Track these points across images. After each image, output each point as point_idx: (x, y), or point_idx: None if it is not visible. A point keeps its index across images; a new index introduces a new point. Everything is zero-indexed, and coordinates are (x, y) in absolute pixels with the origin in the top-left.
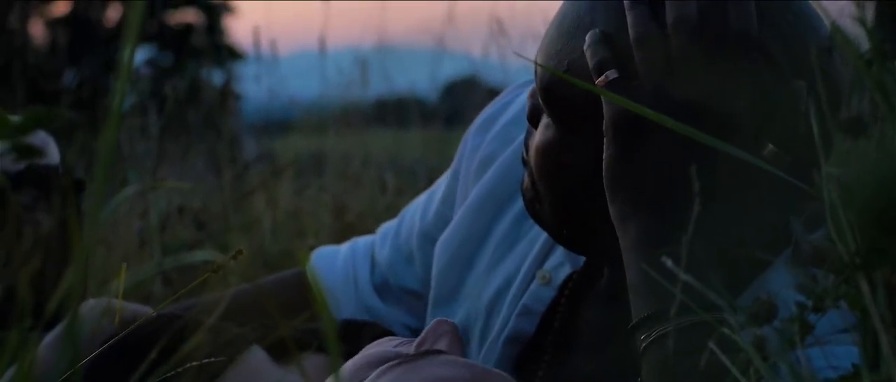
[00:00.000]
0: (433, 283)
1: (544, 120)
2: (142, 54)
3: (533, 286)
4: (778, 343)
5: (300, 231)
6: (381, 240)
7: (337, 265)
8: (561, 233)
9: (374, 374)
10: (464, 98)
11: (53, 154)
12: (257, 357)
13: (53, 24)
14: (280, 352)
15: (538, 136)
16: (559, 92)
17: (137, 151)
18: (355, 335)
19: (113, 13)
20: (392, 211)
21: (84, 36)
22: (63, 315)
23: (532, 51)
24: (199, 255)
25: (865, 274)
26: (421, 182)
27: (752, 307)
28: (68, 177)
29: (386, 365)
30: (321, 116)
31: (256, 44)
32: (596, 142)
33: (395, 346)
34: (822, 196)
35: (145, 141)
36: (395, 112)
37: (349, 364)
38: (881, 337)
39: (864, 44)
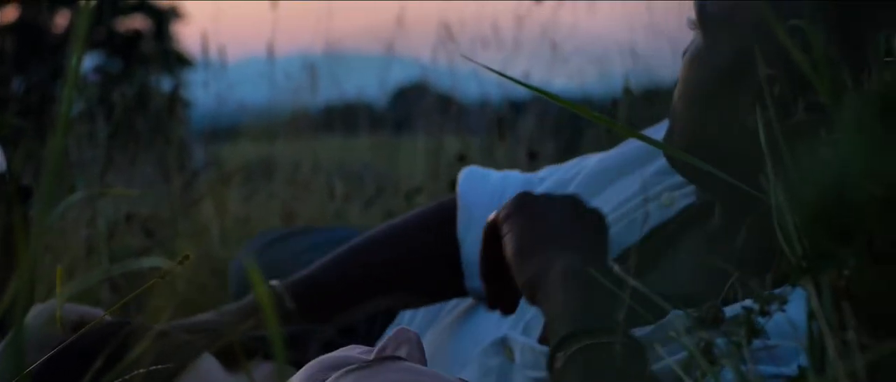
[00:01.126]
0: (578, 181)
1: (695, 36)
2: (90, 61)
3: (654, 204)
4: (725, 346)
5: (249, 237)
6: (546, 172)
7: (486, 190)
8: (685, 164)
9: (332, 377)
10: (413, 103)
11: (0, 161)
12: (207, 363)
13: (1, 31)
14: (230, 359)
15: (688, 52)
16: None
17: (85, 158)
18: (304, 342)
19: (61, 20)
20: (341, 217)
21: (32, 42)
22: (9, 322)
23: (481, 56)
24: (147, 262)
25: (812, 278)
26: (369, 188)
27: (699, 311)
28: (14, 184)
29: (345, 369)
30: (270, 122)
31: (205, 50)
32: (736, 45)
33: (359, 353)
34: (770, 200)
35: (93, 147)
36: (343, 117)
37: (310, 367)
38: (827, 340)
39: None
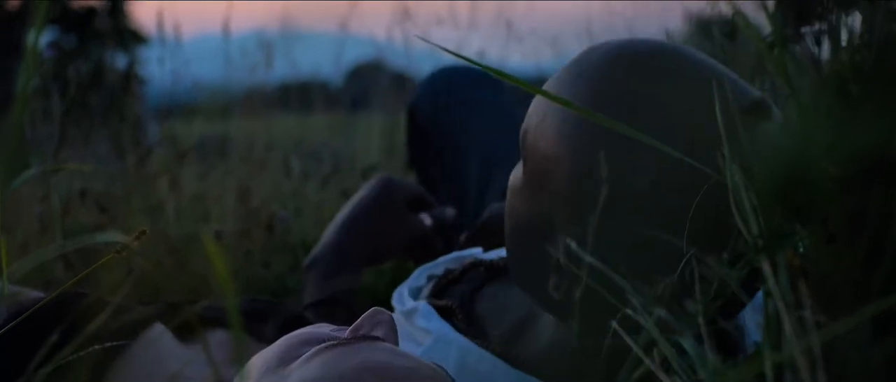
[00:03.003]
0: None
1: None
2: (44, 36)
3: None
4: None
5: (204, 215)
6: None
7: None
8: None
9: (309, 352)
10: (369, 82)
11: None
12: (160, 334)
13: None
14: (184, 330)
15: (512, 178)
16: (529, 139)
17: (39, 134)
18: (263, 315)
19: None
20: (297, 196)
21: None
22: None
23: (436, 35)
24: (103, 237)
25: (768, 257)
26: (325, 166)
27: (657, 289)
28: None
29: (323, 345)
30: (225, 100)
31: (160, 27)
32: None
33: (331, 330)
34: (726, 179)
35: (47, 124)
36: (299, 95)
37: (283, 341)
38: (783, 318)
39: (766, 28)
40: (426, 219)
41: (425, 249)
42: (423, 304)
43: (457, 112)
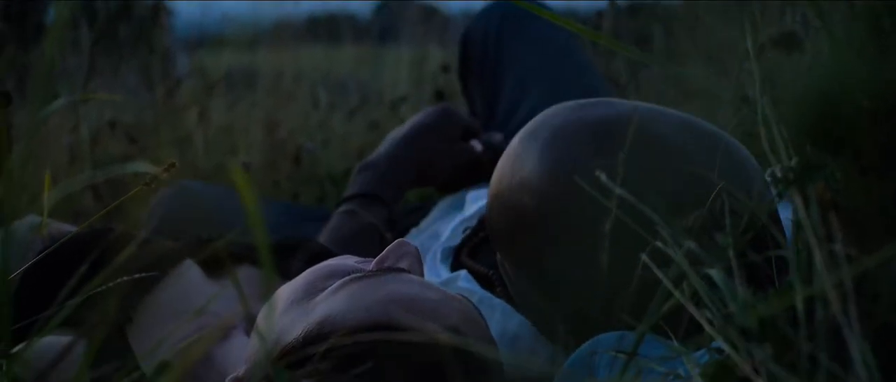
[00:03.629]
0: None
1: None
2: None
3: None
4: (711, 258)
5: (232, 146)
6: None
7: None
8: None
9: (334, 284)
10: (397, 14)
11: None
12: (189, 270)
13: None
14: (213, 266)
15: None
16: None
17: (68, 65)
18: (290, 250)
19: None
20: (324, 127)
21: None
22: None
23: None
24: (132, 167)
25: (799, 190)
26: (353, 98)
27: (686, 221)
28: None
29: (349, 277)
30: (253, 31)
31: None
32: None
33: (356, 262)
34: (757, 111)
35: (76, 55)
36: (327, 27)
37: (307, 274)
38: (814, 252)
39: None
40: (477, 146)
41: (475, 172)
42: (463, 272)
43: (504, 42)
